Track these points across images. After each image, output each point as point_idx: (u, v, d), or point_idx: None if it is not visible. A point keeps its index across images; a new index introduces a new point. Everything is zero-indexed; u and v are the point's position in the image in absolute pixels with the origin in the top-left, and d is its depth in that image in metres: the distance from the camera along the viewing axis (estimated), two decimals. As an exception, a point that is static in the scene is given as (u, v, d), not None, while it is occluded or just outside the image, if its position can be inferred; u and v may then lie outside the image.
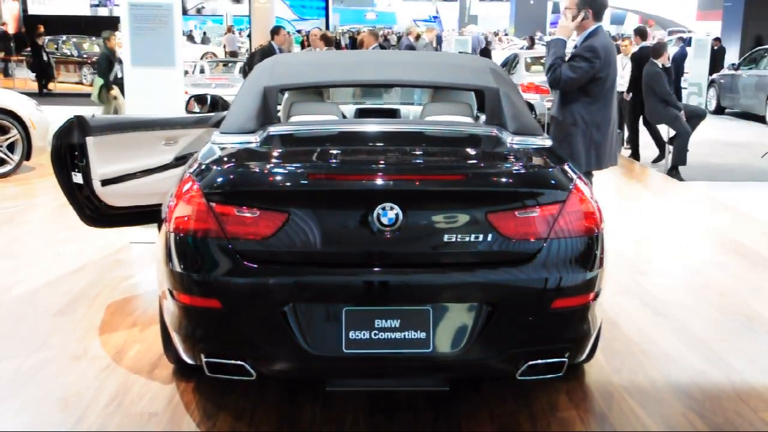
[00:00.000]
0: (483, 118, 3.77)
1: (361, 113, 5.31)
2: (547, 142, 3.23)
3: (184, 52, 6.99)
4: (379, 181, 2.71)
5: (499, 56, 21.03)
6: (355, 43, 28.07)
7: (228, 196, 2.73)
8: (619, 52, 9.86)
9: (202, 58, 21.91)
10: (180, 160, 4.08)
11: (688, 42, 18.78)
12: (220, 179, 2.79)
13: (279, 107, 4.02)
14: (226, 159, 2.95)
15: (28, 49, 19.36)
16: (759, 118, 14.56)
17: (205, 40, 32.59)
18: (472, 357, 2.70)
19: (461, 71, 3.82)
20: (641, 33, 10.94)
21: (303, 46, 24.24)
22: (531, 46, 19.64)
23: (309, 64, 3.99)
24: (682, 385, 3.45)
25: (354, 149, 3.15)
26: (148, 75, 5.87)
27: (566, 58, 4.37)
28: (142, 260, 5.16)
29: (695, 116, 9.20)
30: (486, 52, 18.51)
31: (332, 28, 35.18)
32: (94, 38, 21.34)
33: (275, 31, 10.69)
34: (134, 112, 5.86)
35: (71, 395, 3.25)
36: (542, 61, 11.50)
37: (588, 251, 2.79)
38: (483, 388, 3.32)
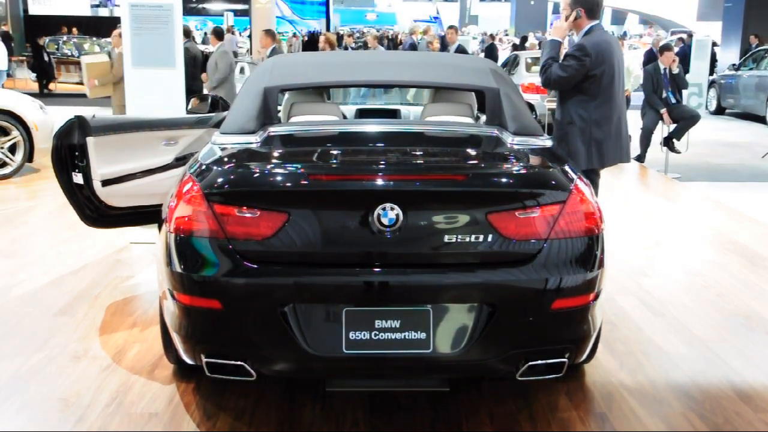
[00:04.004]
0: (483, 118, 3.77)
1: (362, 114, 5.31)
2: (548, 143, 3.23)
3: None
4: (380, 182, 2.71)
5: (499, 56, 20.99)
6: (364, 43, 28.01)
7: (228, 196, 2.73)
8: None
9: (202, 59, 21.84)
10: (180, 161, 4.08)
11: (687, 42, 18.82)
12: (220, 179, 2.79)
13: (279, 108, 4.02)
14: (226, 159, 2.95)
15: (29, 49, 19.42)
16: (759, 119, 14.57)
17: (205, 41, 32.58)
18: (472, 357, 2.70)
19: (461, 72, 3.82)
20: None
21: (303, 47, 24.26)
22: (522, 45, 19.54)
23: (309, 64, 3.99)
24: (681, 385, 3.45)
25: (354, 149, 3.15)
26: (148, 75, 5.88)
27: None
28: (142, 261, 5.16)
29: (686, 117, 9.20)
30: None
31: (332, 28, 35.17)
32: (94, 39, 21.35)
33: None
34: (135, 113, 5.87)
35: (72, 395, 3.25)
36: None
37: (588, 252, 2.79)
38: (483, 388, 3.33)
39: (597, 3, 4.39)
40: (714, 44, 18.19)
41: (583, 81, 4.29)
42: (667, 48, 9.65)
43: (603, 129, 4.34)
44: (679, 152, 9.27)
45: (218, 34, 9.93)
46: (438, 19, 50.32)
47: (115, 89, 9.07)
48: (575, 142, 4.34)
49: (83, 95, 9.39)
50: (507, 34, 34.47)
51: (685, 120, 9.15)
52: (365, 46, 19.22)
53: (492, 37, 21.32)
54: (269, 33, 10.11)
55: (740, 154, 10.87)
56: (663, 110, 9.14)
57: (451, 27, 12.00)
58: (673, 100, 9.26)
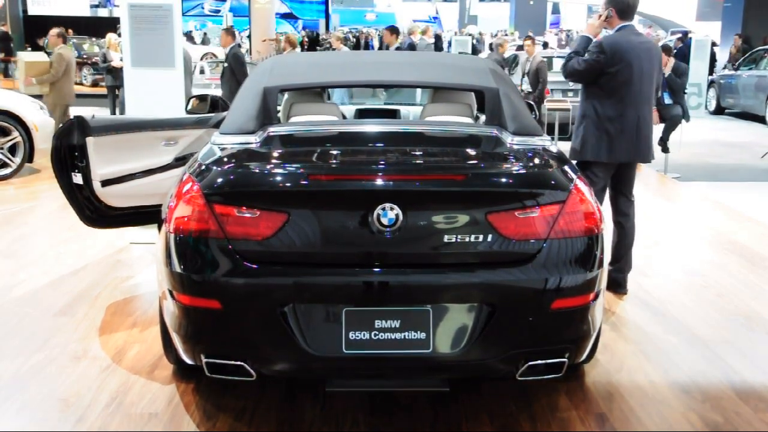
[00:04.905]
0: (483, 118, 3.77)
1: (361, 114, 5.31)
2: (547, 143, 3.24)
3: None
4: (379, 182, 2.71)
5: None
6: (358, 43, 28.03)
7: (228, 196, 2.73)
8: None
9: (202, 59, 21.94)
10: (180, 161, 4.08)
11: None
12: (220, 180, 2.79)
13: (279, 108, 4.02)
14: (226, 159, 2.95)
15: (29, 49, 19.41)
16: (759, 119, 14.57)
17: (205, 41, 32.60)
18: (472, 357, 2.70)
19: (461, 72, 3.82)
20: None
21: (303, 47, 24.32)
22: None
23: (308, 64, 3.99)
24: (681, 385, 3.45)
25: (354, 149, 3.15)
26: (148, 76, 5.87)
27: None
28: (142, 261, 5.16)
29: (668, 118, 9.20)
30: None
31: (332, 28, 35.18)
32: (93, 39, 21.36)
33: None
34: (134, 113, 5.86)
35: (72, 395, 3.25)
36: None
37: (588, 251, 2.79)
38: (483, 388, 3.33)
39: (629, 4, 4.47)
40: (713, 44, 18.20)
41: (600, 77, 4.41)
42: (662, 49, 9.65)
43: (616, 125, 4.44)
44: (668, 151, 9.27)
45: None
46: (437, 19, 50.32)
47: (52, 89, 9.12)
48: (587, 134, 4.49)
49: (82, 95, 9.37)
50: (506, 34, 34.38)
51: (668, 121, 9.18)
52: (330, 47, 19.07)
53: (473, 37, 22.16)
54: (229, 32, 10.24)
55: (740, 154, 10.88)
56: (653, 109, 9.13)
57: (388, 27, 11.69)
58: (668, 101, 9.26)
